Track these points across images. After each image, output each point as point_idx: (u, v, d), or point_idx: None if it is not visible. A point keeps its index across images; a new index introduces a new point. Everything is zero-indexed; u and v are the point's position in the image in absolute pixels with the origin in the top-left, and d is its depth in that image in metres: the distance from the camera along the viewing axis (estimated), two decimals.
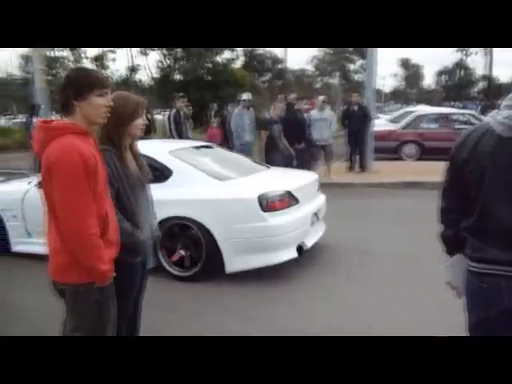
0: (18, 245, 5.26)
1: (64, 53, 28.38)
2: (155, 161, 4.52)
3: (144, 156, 4.40)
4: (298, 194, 4.69)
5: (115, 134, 2.34)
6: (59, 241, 2.02)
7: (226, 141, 10.95)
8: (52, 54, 27.06)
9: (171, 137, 8.67)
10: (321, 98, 9.78)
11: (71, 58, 28.16)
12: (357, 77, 37.50)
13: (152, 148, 4.88)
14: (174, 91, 23.00)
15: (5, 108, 19.61)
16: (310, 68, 40.15)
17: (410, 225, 6.15)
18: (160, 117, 16.25)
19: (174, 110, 8.82)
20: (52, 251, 2.11)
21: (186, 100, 9.32)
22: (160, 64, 28.49)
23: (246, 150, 8.56)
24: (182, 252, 4.50)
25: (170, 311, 3.88)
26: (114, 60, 27.34)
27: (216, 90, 23.29)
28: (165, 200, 3.91)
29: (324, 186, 5.53)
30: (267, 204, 4.38)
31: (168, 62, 28.42)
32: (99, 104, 2.03)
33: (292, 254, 4.54)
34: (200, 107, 18.50)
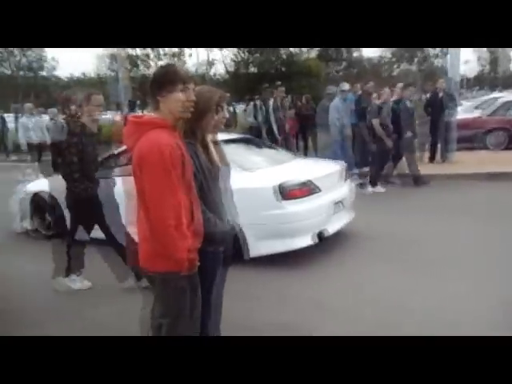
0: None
1: (145, 51, 29.99)
2: None
3: None
4: (320, 182, 4.84)
5: (197, 127, 2.41)
6: (148, 230, 2.13)
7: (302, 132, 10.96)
8: (134, 53, 28.74)
9: (260, 127, 8.55)
10: (399, 85, 9.31)
11: (151, 56, 29.70)
12: (436, 62, 35.64)
13: None
14: (248, 84, 23.53)
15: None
16: (387, 55, 38.79)
17: (494, 221, 5.78)
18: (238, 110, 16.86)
19: (272, 100, 8.79)
20: (141, 240, 2.23)
21: (284, 90, 9.13)
22: (235, 58, 29.22)
23: (344, 144, 8.53)
24: None
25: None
26: (190, 55, 28.46)
27: (290, 81, 23.45)
28: None
29: (403, 178, 5.48)
30: (287, 192, 4.57)
31: (242, 55, 29.05)
32: (181, 99, 2.11)
33: (310, 240, 4.69)
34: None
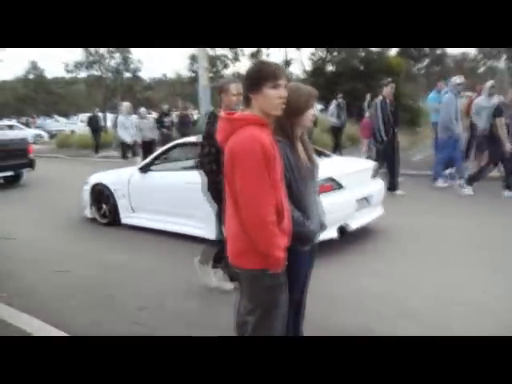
0: (126, 218, 6.53)
1: (224, 51, 31.06)
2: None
3: None
4: (343, 180, 5.10)
5: (288, 124, 2.39)
6: (239, 227, 2.11)
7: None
8: (213, 53, 29.89)
9: (376, 126, 8.15)
10: (489, 83, 8.90)
11: (230, 56, 30.73)
12: None
13: None
14: (326, 83, 23.64)
15: (175, 105, 22.75)
16: (472, 51, 36.78)
17: None
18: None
19: (380, 98, 8.26)
20: (231, 236, 2.21)
21: (394, 86, 8.56)
22: (313, 56, 29.39)
23: (454, 143, 8.25)
24: None
25: None
26: (268, 55, 29.08)
27: (369, 79, 23.17)
28: None
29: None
30: None
31: (321, 53, 29.14)
32: (272, 96, 2.09)
33: (331, 234, 4.90)
34: (353, 98, 18.74)
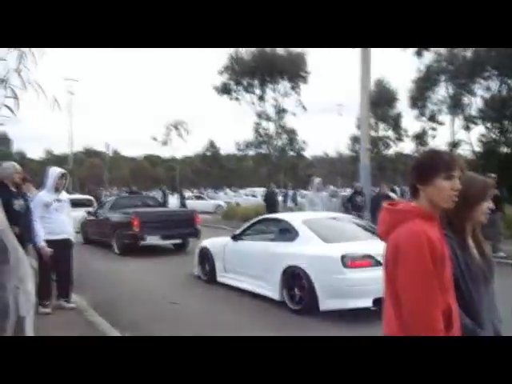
0: (220, 277, 8.29)
1: (388, 132, 32.37)
2: (290, 225, 7.01)
3: (282, 220, 6.99)
4: (382, 258, 6.06)
5: (457, 218, 2.21)
6: (401, 331, 1.94)
7: None
8: (376, 134, 31.43)
9: None
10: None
11: (392, 138, 31.90)
12: None
13: (291, 216, 7.40)
14: (499, 164, 23.15)
15: (332, 182, 24.54)
16: None
17: None
18: None
19: None
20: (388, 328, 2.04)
21: None
22: (483, 138, 28.83)
23: None
24: (297, 291, 6.54)
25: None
26: (433, 137, 29.46)
27: None
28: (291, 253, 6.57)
29: None
30: (348, 262, 6.02)
31: (493, 135, 28.48)
32: (444, 187, 1.96)
33: (366, 303, 5.91)
34: None
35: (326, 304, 6.18)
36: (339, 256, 6.07)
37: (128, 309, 6.71)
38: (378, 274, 6.02)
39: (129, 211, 12.75)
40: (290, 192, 18.76)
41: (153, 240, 12.41)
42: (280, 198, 22.34)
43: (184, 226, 12.86)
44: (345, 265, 6.02)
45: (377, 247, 6.60)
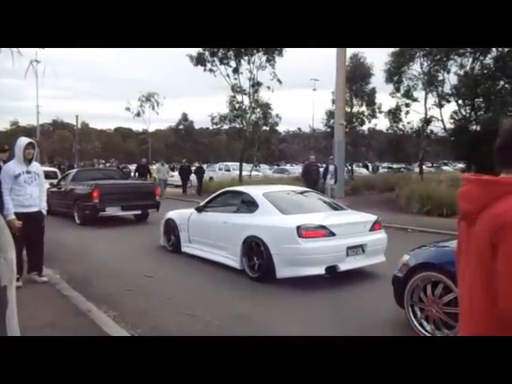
0: (184, 247, 8.76)
1: (362, 108, 32.93)
2: (251, 197, 7.58)
3: (244, 193, 7.52)
4: (335, 229, 6.69)
5: None
6: (491, 321, 1.70)
7: None
8: (350, 110, 31.93)
9: None
10: None
11: (366, 113, 32.45)
12: None
13: (252, 189, 7.99)
14: (469, 142, 24.00)
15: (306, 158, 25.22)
16: None
17: None
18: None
19: None
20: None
21: None
22: (455, 115, 29.59)
23: None
24: (256, 259, 7.12)
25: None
26: (407, 113, 30.15)
27: None
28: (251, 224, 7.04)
29: None
30: (302, 232, 6.59)
31: (465, 113, 29.28)
32: None
33: (319, 271, 6.49)
34: None
35: (282, 272, 6.69)
36: (294, 226, 6.55)
37: (101, 282, 6.95)
38: (330, 243, 6.71)
39: (89, 183, 13.30)
40: (331, 167, 16.50)
41: (113, 211, 13.01)
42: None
43: (144, 198, 13.64)
44: (300, 235, 6.52)
45: (331, 218, 7.26)
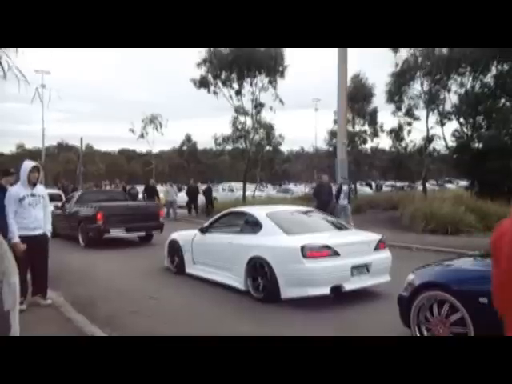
0: (188, 268, 8.72)
1: (364, 127, 33.09)
2: (254, 218, 7.58)
3: (247, 213, 7.48)
4: (340, 248, 6.67)
5: None
6: None
7: None
8: (353, 129, 32.10)
9: None
10: None
11: (368, 132, 32.60)
12: None
13: (256, 209, 7.98)
14: (471, 160, 24.01)
15: (310, 176, 25.28)
16: None
17: None
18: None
19: None
20: None
21: None
22: (457, 133, 29.67)
23: None
24: (260, 280, 7.06)
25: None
26: (409, 132, 30.26)
27: None
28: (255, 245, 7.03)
29: None
30: (307, 252, 6.55)
31: (466, 130, 29.38)
32: None
33: (324, 291, 6.42)
34: (502, 176, 18.95)
35: (286, 292, 6.64)
36: (299, 247, 6.53)
37: (105, 304, 6.91)
38: (335, 263, 6.67)
39: (93, 205, 13.33)
40: (345, 187, 16.08)
41: (117, 233, 13.01)
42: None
43: (148, 220, 13.66)
44: (304, 255, 6.49)
45: (335, 238, 7.22)
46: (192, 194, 26.09)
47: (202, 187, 29.02)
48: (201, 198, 26.56)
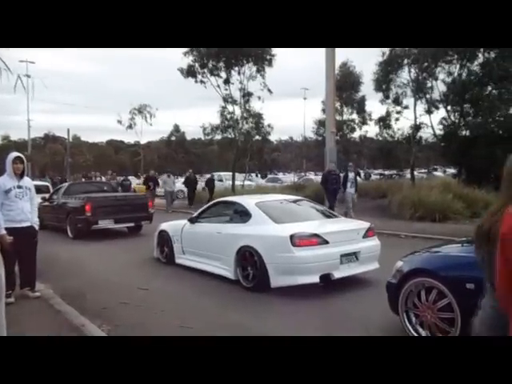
0: (178, 259, 8.72)
1: (353, 116, 33.20)
2: (244, 207, 7.56)
3: (236, 203, 7.48)
4: (329, 237, 6.69)
5: None
6: None
7: None
8: (341, 118, 32.20)
9: None
10: None
11: (357, 120, 32.72)
12: None
13: (245, 199, 7.97)
14: (458, 147, 24.17)
15: (299, 166, 25.30)
16: None
17: None
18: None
19: None
20: None
21: None
22: (444, 121, 29.82)
23: None
24: (250, 269, 7.09)
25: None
26: (397, 120, 30.35)
27: (510, 144, 23.00)
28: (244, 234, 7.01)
29: None
30: (296, 241, 6.59)
31: (453, 118, 29.53)
32: None
33: (314, 279, 6.48)
34: (489, 163, 19.16)
35: (276, 281, 6.67)
36: (288, 235, 6.55)
37: (95, 295, 6.88)
38: (324, 251, 6.69)
39: (81, 196, 13.31)
40: (351, 174, 15.52)
41: (105, 224, 13.00)
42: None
43: (136, 211, 13.64)
44: (293, 244, 6.51)
45: (324, 227, 7.25)
46: (190, 184, 25.77)
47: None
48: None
